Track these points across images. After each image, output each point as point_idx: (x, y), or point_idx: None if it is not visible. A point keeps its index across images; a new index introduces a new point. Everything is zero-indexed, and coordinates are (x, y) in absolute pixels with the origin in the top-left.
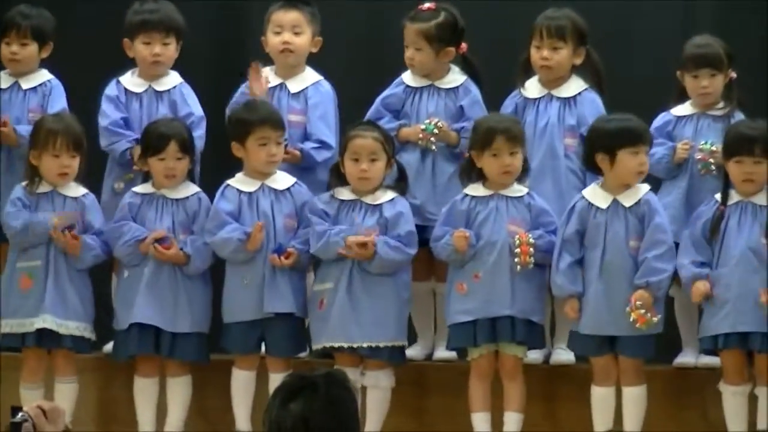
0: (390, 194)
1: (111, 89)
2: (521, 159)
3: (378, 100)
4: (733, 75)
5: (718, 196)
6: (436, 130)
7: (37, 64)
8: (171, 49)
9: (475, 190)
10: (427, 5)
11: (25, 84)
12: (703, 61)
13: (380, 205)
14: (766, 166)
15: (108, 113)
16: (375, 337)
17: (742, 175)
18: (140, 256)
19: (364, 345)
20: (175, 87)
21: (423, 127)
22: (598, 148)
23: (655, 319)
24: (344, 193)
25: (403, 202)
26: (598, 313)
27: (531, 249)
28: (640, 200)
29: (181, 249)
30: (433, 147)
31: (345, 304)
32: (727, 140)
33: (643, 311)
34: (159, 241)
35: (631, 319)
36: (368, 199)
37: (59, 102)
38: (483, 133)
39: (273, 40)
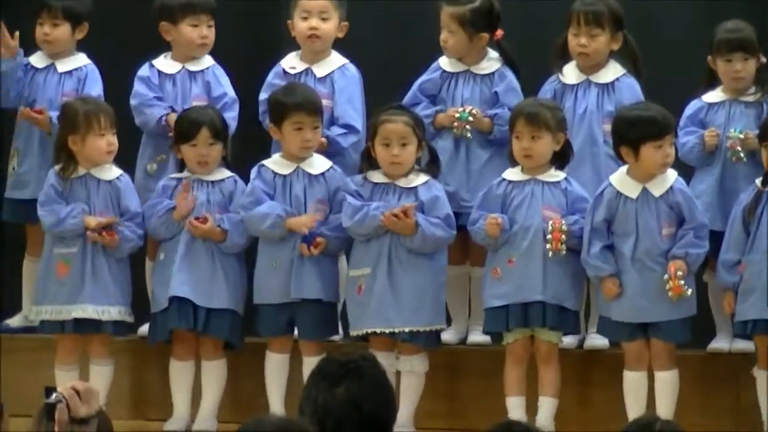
0: (423, 177)
1: (143, 70)
2: (547, 144)
3: (415, 85)
4: (764, 60)
5: (758, 181)
6: (470, 118)
7: (72, 46)
8: (213, 31)
9: (513, 174)
10: None
11: (61, 67)
12: (737, 44)
13: (415, 188)
14: None
15: (140, 92)
16: (414, 321)
17: None
18: (175, 225)
19: (405, 330)
20: (208, 68)
21: (457, 115)
22: (622, 142)
23: (688, 292)
24: (377, 176)
25: (438, 186)
26: (634, 301)
27: (563, 236)
28: (671, 188)
29: (218, 226)
30: (468, 134)
31: (385, 289)
32: (760, 126)
33: (681, 282)
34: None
35: (667, 287)
36: (402, 183)
37: (95, 88)
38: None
39: (300, 26)
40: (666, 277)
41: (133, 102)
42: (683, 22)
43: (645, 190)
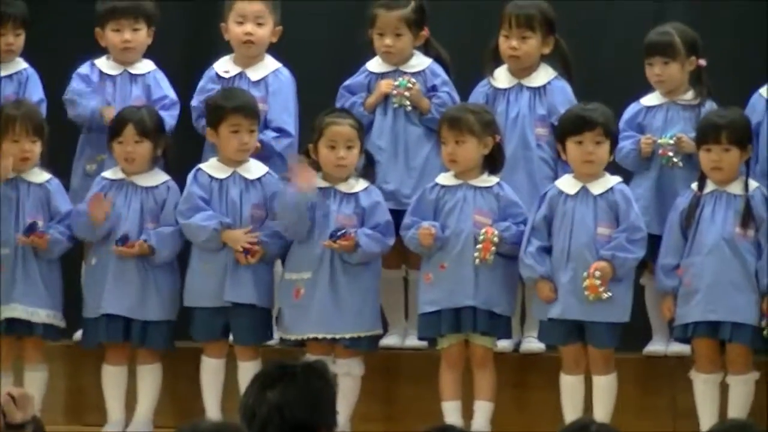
0: (362, 183)
1: (83, 68)
2: (472, 149)
3: (341, 88)
4: (702, 63)
5: (694, 185)
6: (410, 85)
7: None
8: (142, 35)
9: (445, 179)
10: None
11: (1, 71)
12: (655, 49)
13: (356, 194)
14: (734, 154)
15: (75, 86)
16: (356, 327)
17: (710, 163)
18: (100, 229)
19: (347, 336)
20: (149, 72)
21: (396, 82)
22: (556, 138)
23: (605, 295)
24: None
25: (377, 192)
26: (566, 299)
27: (493, 247)
28: (612, 189)
29: (145, 240)
30: (407, 104)
31: (327, 295)
32: (698, 129)
33: (598, 282)
34: (122, 240)
35: (584, 285)
36: (343, 188)
37: (35, 91)
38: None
39: (235, 30)
40: (585, 275)
41: (66, 96)
42: (628, 25)
43: (584, 188)
